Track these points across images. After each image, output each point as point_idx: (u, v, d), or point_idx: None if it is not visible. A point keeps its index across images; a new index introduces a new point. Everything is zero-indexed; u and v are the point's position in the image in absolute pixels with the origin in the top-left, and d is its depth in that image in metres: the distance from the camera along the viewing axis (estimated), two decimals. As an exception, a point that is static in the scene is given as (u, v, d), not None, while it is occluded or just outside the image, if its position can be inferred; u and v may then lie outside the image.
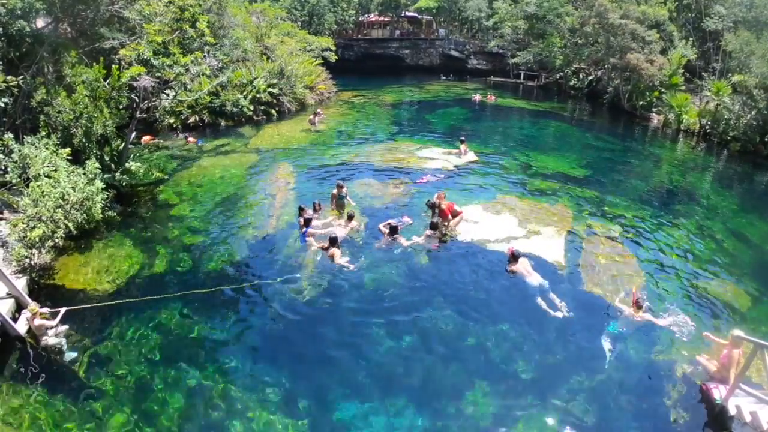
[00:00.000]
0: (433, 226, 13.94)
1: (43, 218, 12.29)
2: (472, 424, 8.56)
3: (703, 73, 32.10)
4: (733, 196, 19.12)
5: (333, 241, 13.20)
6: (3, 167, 13.21)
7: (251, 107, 28.26)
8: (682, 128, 28.65)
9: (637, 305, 10.90)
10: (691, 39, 35.06)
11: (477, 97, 35.36)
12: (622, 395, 9.25)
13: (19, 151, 13.34)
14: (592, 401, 9.06)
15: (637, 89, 32.58)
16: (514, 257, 12.50)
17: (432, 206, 14.97)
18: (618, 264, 13.34)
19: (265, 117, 29.16)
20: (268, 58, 31.60)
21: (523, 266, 12.46)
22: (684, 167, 22.96)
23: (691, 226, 16.03)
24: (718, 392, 8.88)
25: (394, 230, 13.92)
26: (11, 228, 12.31)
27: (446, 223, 14.56)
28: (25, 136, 14.22)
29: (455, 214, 14.74)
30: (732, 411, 8.43)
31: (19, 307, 10.88)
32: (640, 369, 9.87)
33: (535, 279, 12.17)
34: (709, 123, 27.49)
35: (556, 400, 9.07)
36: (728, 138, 25.66)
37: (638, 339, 10.53)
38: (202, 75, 19.47)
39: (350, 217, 15.12)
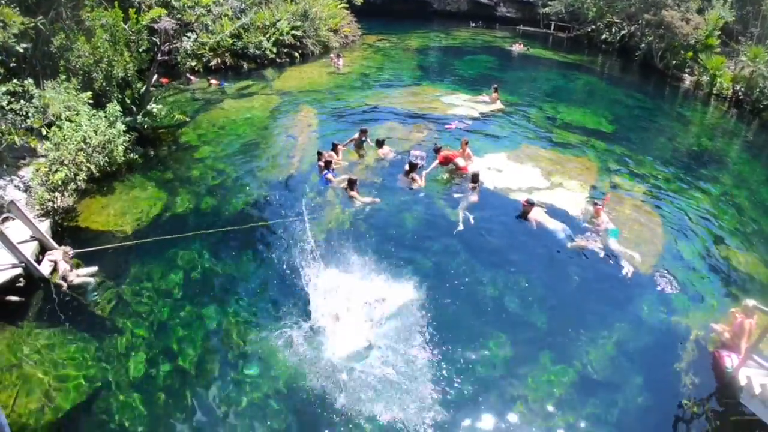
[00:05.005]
0: (475, 179, 13.98)
1: (65, 161, 12.46)
2: (485, 373, 8.76)
3: (740, 38, 30.84)
4: (762, 166, 18.66)
5: (351, 183, 13.39)
6: (24, 113, 13.20)
7: (274, 50, 27.73)
8: (715, 92, 27.74)
9: (598, 213, 12.64)
10: (729, 0, 33.46)
11: (516, 46, 34.04)
12: (635, 355, 9.39)
13: (40, 96, 13.29)
14: (605, 358, 9.21)
15: (670, 48, 31.44)
16: (529, 204, 12.68)
17: (436, 150, 15.32)
18: (641, 222, 13.30)
19: (288, 59, 28.66)
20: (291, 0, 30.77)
21: (539, 214, 12.65)
22: (713, 132, 22.41)
23: (716, 191, 15.79)
24: (729, 361, 8.96)
25: (412, 167, 14.18)
26: (34, 172, 12.47)
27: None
28: (45, 82, 14.15)
29: (456, 166, 14.96)
30: (742, 381, 8.45)
31: (43, 249, 11.11)
32: (655, 331, 9.97)
33: (555, 225, 12.37)
34: (742, 89, 26.58)
35: (570, 355, 9.24)
36: (761, 106, 24.84)
37: (654, 301, 10.59)
38: (224, 17, 19.05)
39: (380, 143, 15.69)
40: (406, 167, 14.36)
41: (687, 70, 30.75)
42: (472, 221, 12.74)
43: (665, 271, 11.42)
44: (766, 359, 8.53)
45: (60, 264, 10.51)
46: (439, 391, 8.28)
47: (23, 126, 12.83)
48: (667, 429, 8.21)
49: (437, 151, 15.27)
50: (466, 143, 15.70)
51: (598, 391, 8.63)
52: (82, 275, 10.57)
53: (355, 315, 9.42)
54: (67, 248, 10.95)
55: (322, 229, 12.27)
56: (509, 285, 10.73)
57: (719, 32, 30.51)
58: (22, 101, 13.00)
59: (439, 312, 9.82)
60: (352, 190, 13.39)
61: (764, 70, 25.28)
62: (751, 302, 8.98)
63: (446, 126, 18.97)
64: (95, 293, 10.34)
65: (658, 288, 10.93)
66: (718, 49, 30.33)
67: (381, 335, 9.13)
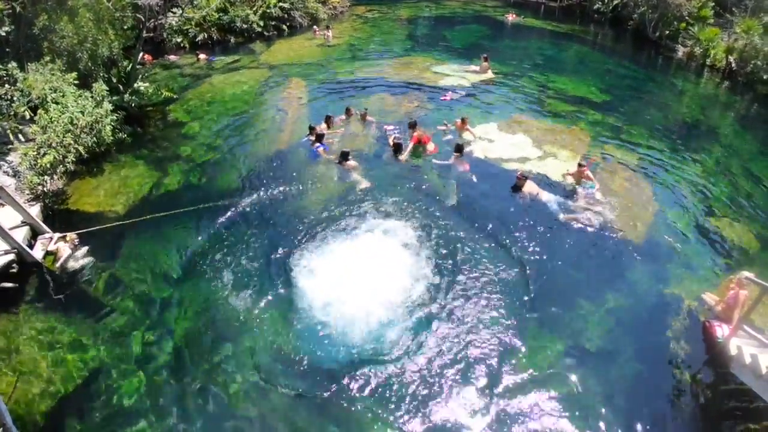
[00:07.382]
0: (459, 149, 13.98)
1: (53, 144, 12.30)
2: (477, 341, 8.90)
3: (734, 9, 30.53)
4: (755, 139, 18.60)
5: (344, 155, 13.59)
6: (9, 97, 13.00)
7: (261, 23, 27.11)
8: (708, 63, 27.55)
9: (581, 174, 13.05)
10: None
11: (510, 16, 33.66)
12: (627, 325, 9.53)
13: (24, 79, 13.05)
14: (597, 328, 9.36)
15: (663, 18, 31.08)
16: (523, 177, 12.81)
17: (411, 126, 15.22)
18: (632, 192, 13.42)
19: (275, 32, 28.05)
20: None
21: (533, 187, 12.80)
22: (706, 103, 22.30)
23: (709, 163, 15.82)
24: (720, 331, 9.11)
25: (397, 148, 14.21)
26: (22, 156, 12.30)
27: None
28: (29, 64, 13.86)
29: (424, 149, 14.75)
30: (733, 351, 8.60)
31: (35, 233, 11.05)
32: (648, 300, 10.12)
33: (549, 197, 12.56)
34: (735, 61, 26.41)
35: (562, 324, 9.40)
36: (755, 79, 24.69)
37: (646, 271, 10.71)
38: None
39: (363, 116, 15.99)
40: (392, 146, 14.40)
41: (680, 40, 30.49)
42: (460, 192, 12.91)
43: (657, 241, 11.56)
44: (756, 330, 8.65)
45: (63, 250, 10.49)
46: (425, 359, 8.47)
47: (9, 111, 12.64)
48: (659, 398, 8.35)
49: (412, 126, 15.18)
50: (464, 120, 15.63)
51: (591, 359, 8.77)
52: (80, 259, 10.58)
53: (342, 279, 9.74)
54: (73, 235, 10.89)
55: (313, 202, 12.39)
56: (503, 256, 10.83)
57: (713, 3, 30.19)
58: (6, 86, 12.78)
59: (429, 280, 10.00)
60: (346, 160, 13.56)
61: (758, 42, 25.06)
62: (747, 274, 9.09)
63: (441, 98, 18.99)
64: (90, 275, 10.30)
65: (650, 257, 11.05)
66: (712, 21, 30.05)
67: (368, 306, 9.35)
